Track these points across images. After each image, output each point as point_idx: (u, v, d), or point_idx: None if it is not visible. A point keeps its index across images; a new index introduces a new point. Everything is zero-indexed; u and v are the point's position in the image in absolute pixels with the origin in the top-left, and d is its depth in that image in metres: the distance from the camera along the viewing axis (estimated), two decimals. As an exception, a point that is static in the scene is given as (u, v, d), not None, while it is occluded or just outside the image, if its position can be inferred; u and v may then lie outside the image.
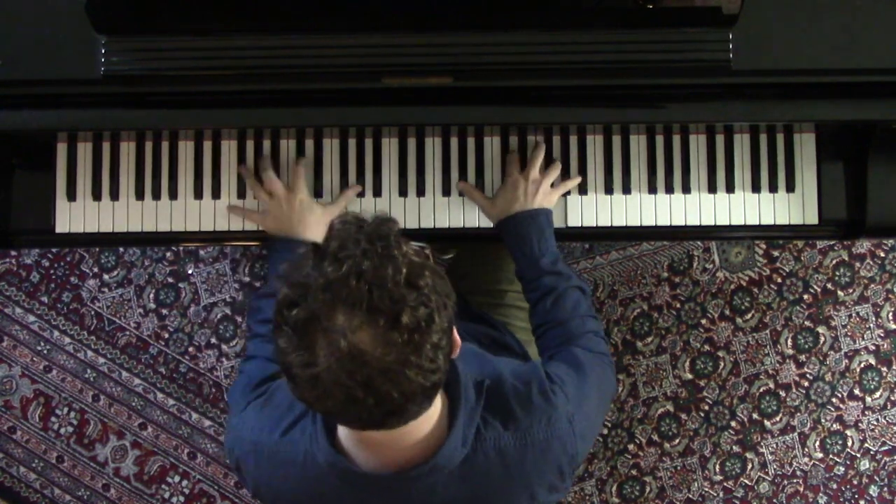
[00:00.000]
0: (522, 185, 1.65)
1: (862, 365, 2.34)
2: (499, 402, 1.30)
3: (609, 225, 1.73)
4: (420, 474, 1.22)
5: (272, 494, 1.34)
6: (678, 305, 2.34)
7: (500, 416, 1.29)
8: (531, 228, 1.62)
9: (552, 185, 1.69)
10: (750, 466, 2.33)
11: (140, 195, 1.72)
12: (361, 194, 1.73)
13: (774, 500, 2.33)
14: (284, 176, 1.71)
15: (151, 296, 2.35)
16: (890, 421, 2.34)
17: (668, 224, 1.73)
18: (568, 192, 1.72)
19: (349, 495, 1.27)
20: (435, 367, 1.09)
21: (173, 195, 1.73)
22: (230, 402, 1.51)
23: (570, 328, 1.55)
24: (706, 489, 2.33)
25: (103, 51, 1.52)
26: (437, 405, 1.22)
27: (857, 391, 2.33)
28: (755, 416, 2.33)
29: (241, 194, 1.73)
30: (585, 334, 1.54)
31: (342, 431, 1.24)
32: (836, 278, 2.34)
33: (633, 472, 2.34)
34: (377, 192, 1.73)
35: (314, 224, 1.65)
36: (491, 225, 1.71)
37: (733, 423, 2.33)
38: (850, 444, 2.33)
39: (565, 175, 1.72)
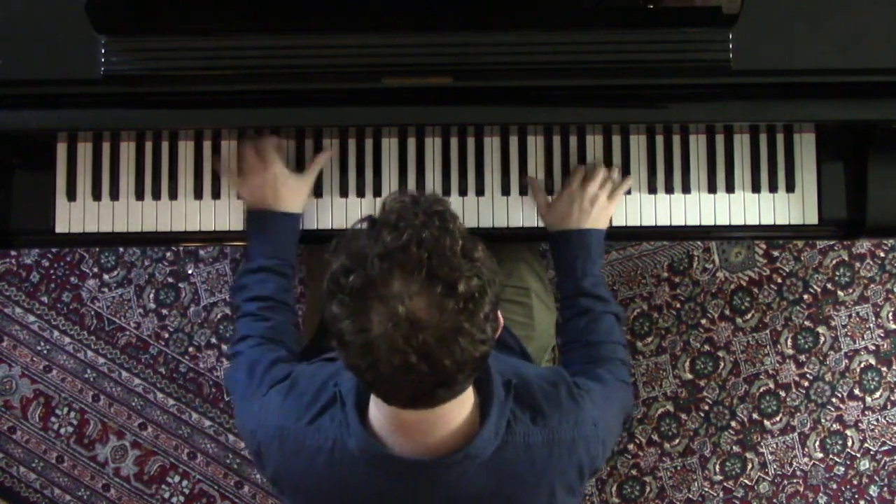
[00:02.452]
0: (578, 200, 1.66)
1: (862, 365, 2.34)
2: (528, 398, 1.32)
3: (609, 225, 1.73)
4: (453, 462, 1.23)
5: (293, 482, 1.34)
6: (678, 305, 2.34)
7: (529, 411, 1.31)
8: (579, 248, 1.64)
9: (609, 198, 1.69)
10: (750, 466, 2.33)
11: (140, 195, 1.72)
12: (362, 195, 1.72)
13: (774, 500, 2.33)
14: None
15: (151, 296, 2.35)
16: (890, 421, 2.34)
17: (668, 224, 1.73)
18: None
19: (377, 483, 1.27)
20: (485, 338, 1.12)
21: (173, 195, 1.73)
22: (232, 387, 1.50)
23: (600, 351, 1.56)
24: (706, 489, 2.33)
25: (103, 51, 1.52)
26: (470, 398, 1.24)
27: (857, 391, 2.33)
28: (755, 416, 2.33)
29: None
30: (613, 360, 1.56)
31: (375, 418, 1.25)
32: (836, 278, 2.34)
33: (633, 472, 2.34)
34: (377, 192, 1.73)
35: (289, 195, 1.65)
36: (490, 224, 1.71)
37: (733, 423, 2.33)
38: (850, 444, 2.33)
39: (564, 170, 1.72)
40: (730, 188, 1.73)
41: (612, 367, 1.54)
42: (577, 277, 1.62)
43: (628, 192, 1.72)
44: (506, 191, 1.73)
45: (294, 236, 1.66)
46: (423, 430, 1.23)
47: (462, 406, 1.23)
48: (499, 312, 1.18)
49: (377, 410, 1.24)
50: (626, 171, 1.72)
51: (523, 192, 1.72)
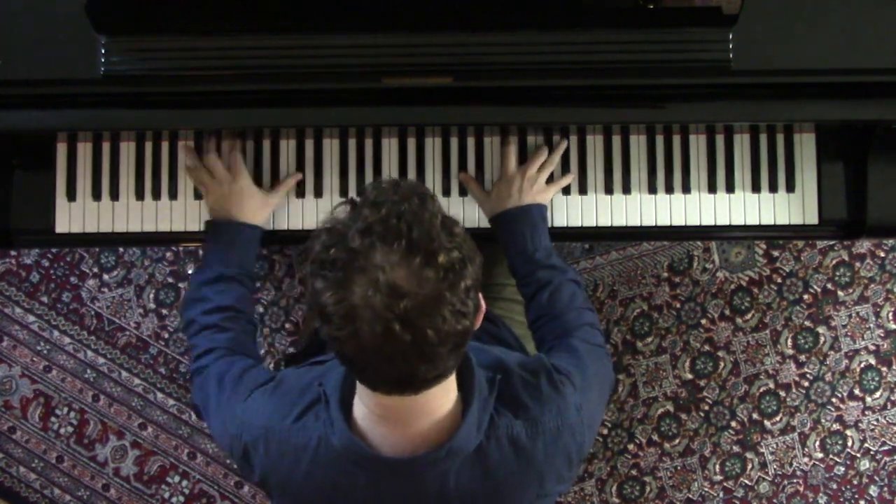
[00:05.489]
0: (518, 181, 1.66)
1: (862, 365, 2.34)
2: (509, 393, 1.32)
3: (609, 225, 1.73)
4: (436, 458, 1.23)
5: (280, 482, 1.33)
6: (678, 305, 2.34)
7: (512, 406, 1.30)
8: (524, 223, 1.63)
9: (548, 182, 1.69)
10: (750, 466, 2.33)
11: (140, 195, 1.72)
12: (361, 194, 1.73)
13: (774, 500, 2.33)
14: (284, 171, 1.72)
15: (151, 296, 2.35)
16: (890, 421, 2.34)
17: (668, 224, 1.73)
18: (568, 192, 1.73)
19: (362, 481, 1.27)
20: (466, 311, 1.12)
21: (173, 195, 1.73)
22: (202, 402, 1.48)
23: (568, 320, 1.55)
24: (706, 489, 2.33)
25: (103, 51, 1.52)
26: (454, 390, 1.24)
27: (857, 391, 2.33)
28: (755, 416, 2.33)
29: (241, 194, 1.73)
30: (582, 326, 1.55)
31: (360, 412, 1.25)
32: (836, 278, 2.34)
33: (633, 472, 2.34)
34: (377, 192, 1.72)
35: (254, 209, 1.66)
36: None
37: (733, 423, 2.33)
38: (850, 444, 2.33)
39: (564, 170, 1.73)
40: (730, 188, 1.73)
41: (583, 333, 1.53)
42: (529, 252, 1.61)
43: (621, 192, 1.72)
44: (506, 191, 1.73)
45: (255, 248, 1.66)
46: (406, 420, 1.22)
47: (446, 395, 1.23)
48: (480, 296, 1.18)
49: (362, 403, 1.24)
50: (626, 171, 1.72)
51: (523, 192, 1.72)
